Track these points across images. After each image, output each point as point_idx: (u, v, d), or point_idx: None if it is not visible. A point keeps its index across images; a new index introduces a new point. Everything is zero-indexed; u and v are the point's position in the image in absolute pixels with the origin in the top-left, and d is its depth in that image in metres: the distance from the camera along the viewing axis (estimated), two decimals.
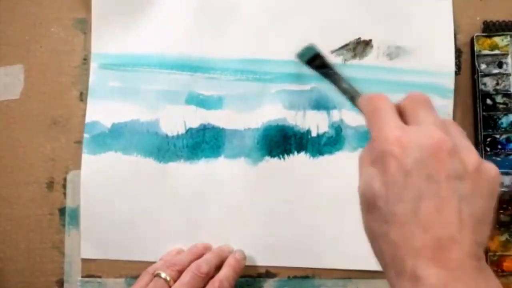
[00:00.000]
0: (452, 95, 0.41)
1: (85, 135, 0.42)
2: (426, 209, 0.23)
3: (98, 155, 0.42)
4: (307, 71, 0.41)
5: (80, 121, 0.42)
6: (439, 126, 0.25)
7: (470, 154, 0.25)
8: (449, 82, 0.41)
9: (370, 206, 0.25)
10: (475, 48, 0.40)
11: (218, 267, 0.38)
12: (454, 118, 0.41)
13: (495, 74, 0.40)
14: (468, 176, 0.24)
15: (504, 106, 0.40)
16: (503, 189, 0.39)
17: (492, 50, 0.40)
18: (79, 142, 0.42)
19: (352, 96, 0.32)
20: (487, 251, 0.39)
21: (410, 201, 0.24)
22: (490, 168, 0.25)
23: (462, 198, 0.24)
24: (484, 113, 0.40)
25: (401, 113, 0.27)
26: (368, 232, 0.27)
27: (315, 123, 0.41)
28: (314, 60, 0.39)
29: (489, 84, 0.40)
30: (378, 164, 0.25)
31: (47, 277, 0.42)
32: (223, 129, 0.42)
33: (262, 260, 0.41)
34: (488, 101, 0.40)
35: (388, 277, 0.25)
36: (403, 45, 0.41)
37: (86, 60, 0.43)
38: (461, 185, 0.24)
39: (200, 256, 0.39)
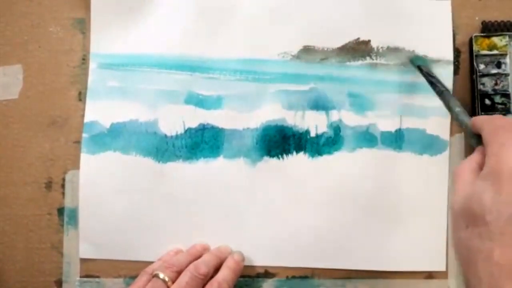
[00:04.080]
0: None
1: (84, 135, 0.42)
2: None
3: (97, 155, 0.42)
4: (306, 71, 0.41)
5: (79, 121, 0.42)
6: None
7: None
8: (448, 82, 0.41)
9: (475, 219, 0.25)
10: (474, 48, 0.40)
11: (216, 268, 0.38)
12: (452, 118, 0.41)
13: (494, 74, 0.40)
14: None
15: (503, 106, 0.40)
16: None
17: (490, 50, 0.40)
18: (78, 142, 0.42)
19: (462, 117, 0.34)
20: None
21: None
22: None
23: None
24: (482, 113, 0.40)
25: None
26: (461, 247, 0.26)
27: (314, 123, 0.41)
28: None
29: (487, 84, 0.40)
30: (495, 180, 0.25)
31: (46, 277, 0.42)
32: (222, 129, 0.42)
33: (261, 260, 0.41)
34: (487, 101, 0.40)
35: None
36: (402, 45, 0.41)
37: (85, 60, 0.43)
38: None
39: (198, 256, 0.39)
